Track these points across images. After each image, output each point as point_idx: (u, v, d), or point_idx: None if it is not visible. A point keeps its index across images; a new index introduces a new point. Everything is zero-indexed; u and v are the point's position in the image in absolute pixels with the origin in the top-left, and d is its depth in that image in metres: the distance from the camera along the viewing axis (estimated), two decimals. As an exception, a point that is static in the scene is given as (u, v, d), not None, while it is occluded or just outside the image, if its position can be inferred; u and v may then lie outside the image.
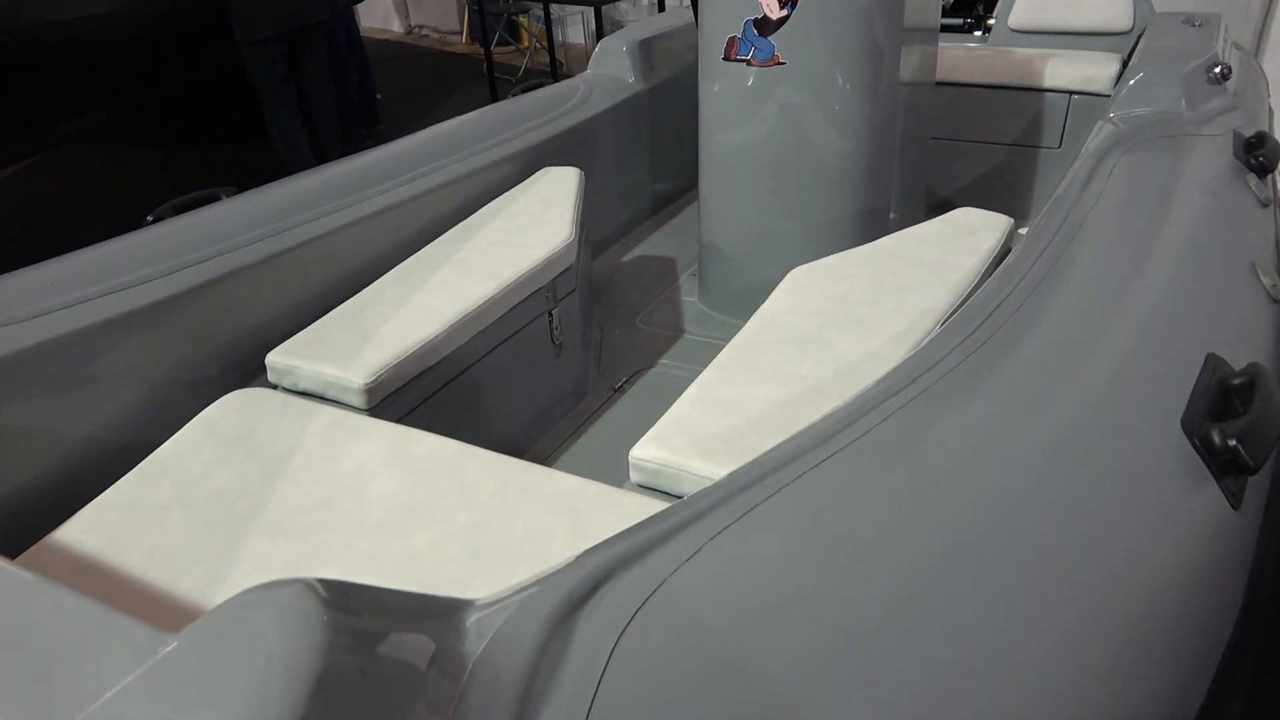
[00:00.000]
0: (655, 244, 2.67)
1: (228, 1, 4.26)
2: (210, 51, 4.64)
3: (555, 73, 5.80)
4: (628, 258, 2.60)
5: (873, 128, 2.01)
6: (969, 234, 1.71)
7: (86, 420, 1.37)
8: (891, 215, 2.25)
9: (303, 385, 1.45)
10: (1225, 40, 2.47)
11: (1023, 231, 2.59)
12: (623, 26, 6.42)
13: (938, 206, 2.82)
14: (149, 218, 1.74)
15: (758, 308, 1.60)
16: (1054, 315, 1.21)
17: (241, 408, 1.34)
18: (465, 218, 1.97)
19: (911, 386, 1.02)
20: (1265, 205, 1.80)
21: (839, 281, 1.58)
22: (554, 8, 6.11)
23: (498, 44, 6.97)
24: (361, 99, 5.55)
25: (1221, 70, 2.15)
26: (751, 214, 2.14)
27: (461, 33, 7.63)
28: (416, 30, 8.09)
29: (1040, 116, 2.61)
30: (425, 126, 2.22)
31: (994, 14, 2.97)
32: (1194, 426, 1.01)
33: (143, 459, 1.28)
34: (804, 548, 0.77)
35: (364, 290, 1.65)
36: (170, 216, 1.73)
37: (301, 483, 1.18)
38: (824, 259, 1.67)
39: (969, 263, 1.61)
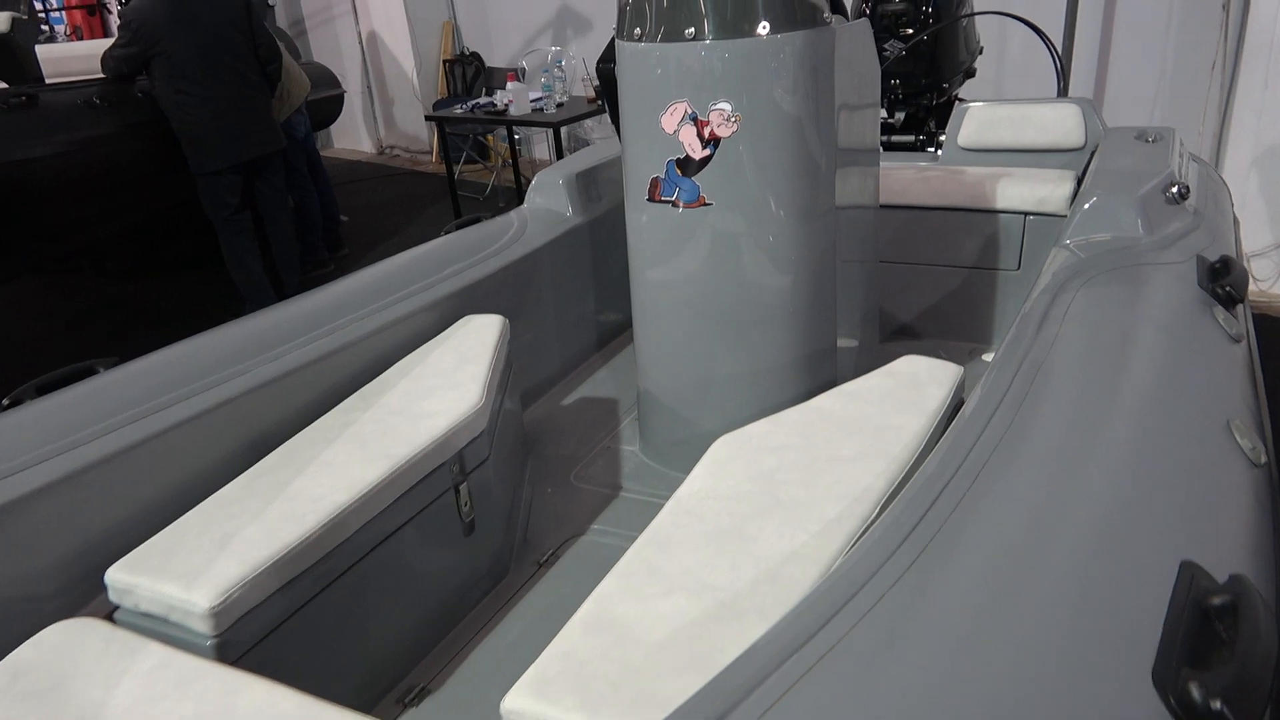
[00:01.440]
0: (599, 382, 2.51)
1: (180, 136, 4.22)
2: (167, 182, 4.58)
3: (520, 190, 5.78)
4: (569, 400, 2.43)
5: (810, 264, 1.88)
6: (913, 389, 1.55)
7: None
8: (851, 344, 2.10)
9: (144, 607, 1.25)
10: (1181, 155, 2.38)
11: (986, 358, 2.42)
12: (589, 143, 6.45)
13: (898, 332, 2.68)
14: (4, 401, 1.57)
15: (699, 459, 1.44)
16: (1001, 514, 1.03)
17: (58, 645, 1.14)
18: (373, 380, 1.81)
19: (834, 623, 0.85)
20: (1237, 340, 1.65)
21: (766, 454, 1.41)
22: (520, 126, 6.15)
23: (466, 162, 6.99)
24: (324, 223, 5.48)
25: (1179, 189, 2.04)
26: (688, 358, 1.98)
27: (431, 152, 7.67)
28: (388, 150, 8.15)
29: (996, 238, 2.49)
30: (390, 246, 2.09)
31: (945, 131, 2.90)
32: (1168, 679, 0.82)
33: None
34: None
35: (237, 479, 1.47)
36: (32, 398, 1.56)
37: None
38: (752, 425, 1.50)
39: (913, 425, 1.44)
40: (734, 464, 1.40)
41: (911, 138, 3.14)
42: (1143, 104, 3.90)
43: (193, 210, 4.47)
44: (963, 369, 1.62)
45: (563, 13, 6.61)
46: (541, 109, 5.07)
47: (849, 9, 3.11)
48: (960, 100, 3.14)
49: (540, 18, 6.77)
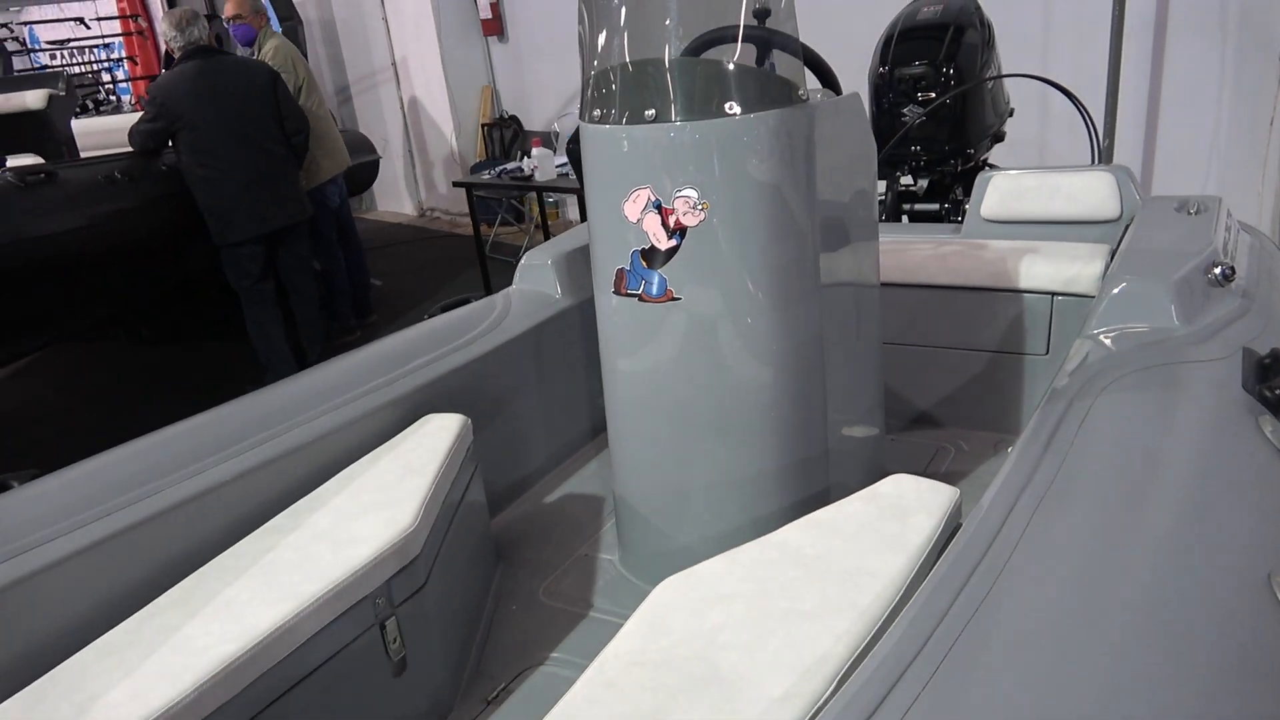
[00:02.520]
0: (586, 478, 2.33)
1: (203, 209, 4.22)
2: (190, 254, 4.59)
3: (550, 253, 5.69)
4: (552, 497, 2.25)
5: (794, 357, 1.68)
6: (897, 518, 1.34)
7: None
8: (853, 438, 1.89)
9: None
10: (1228, 228, 2.13)
11: (1010, 450, 2.17)
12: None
13: (917, 420, 2.45)
14: (-102, 525, 1.45)
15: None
16: (972, 712, 0.83)
17: None
18: (307, 495, 1.65)
19: None
20: None
21: (713, 605, 1.21)
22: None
23: (501, 224, 6.96)
24: (354, 289, 5.44)
25: (1223, 271, 1.80)
26: (664, 462, 1.79)
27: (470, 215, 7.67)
28: (429, 213, 8.19)
29: (1021, 320, 2.26)
30: (420, 311, 1.96)
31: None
32: None
33: None
34: None
35: (125, 622, 1.32)
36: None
37: None
38: (704, 565, 1.30)
39: (890, 569, 1.23)
40: (674, 617, 1.20)
41: (936, 206, 2.94)
42: (1196, 166, 3.62)
43: (219, 279, 4.46)
44: (958, 491, 1.40)
45: (597, 75, 6.57)
46: (566, 174, 4.99)
47: (870, 71, 2.95)
48: (990, 166, 2.93)
49: (576, 81, 6.74)
